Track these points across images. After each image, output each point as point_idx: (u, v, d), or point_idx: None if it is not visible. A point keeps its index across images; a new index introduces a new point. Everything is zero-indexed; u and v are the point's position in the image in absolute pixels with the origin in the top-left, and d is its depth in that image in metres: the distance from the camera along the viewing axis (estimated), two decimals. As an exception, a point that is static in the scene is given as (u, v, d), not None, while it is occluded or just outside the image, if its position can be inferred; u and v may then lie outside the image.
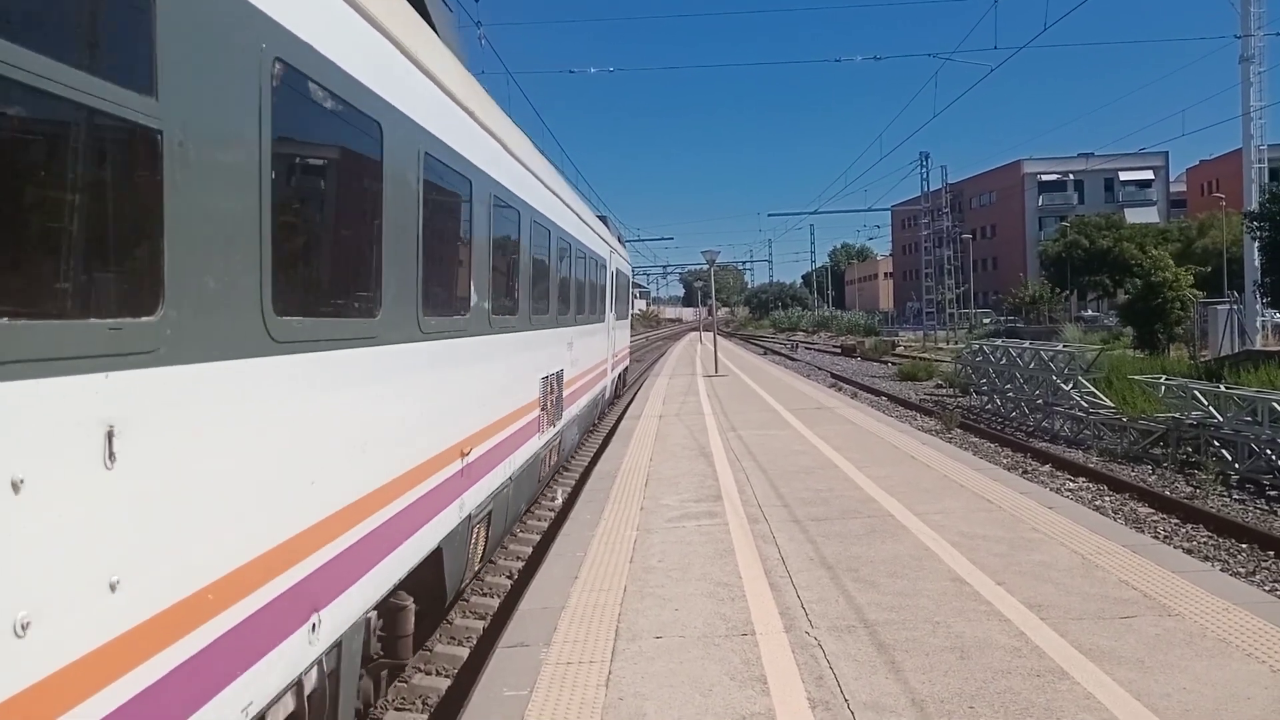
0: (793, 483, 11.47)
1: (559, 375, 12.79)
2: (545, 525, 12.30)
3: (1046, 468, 17.25)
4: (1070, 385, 22.50)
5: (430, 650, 7.95)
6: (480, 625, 8.71)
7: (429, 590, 6.73)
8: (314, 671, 4.57)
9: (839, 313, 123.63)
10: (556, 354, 12.75)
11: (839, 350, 64.32)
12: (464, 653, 8.00)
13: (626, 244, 33.71)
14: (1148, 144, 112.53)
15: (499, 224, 8.98)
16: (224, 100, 3.55)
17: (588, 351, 17.02)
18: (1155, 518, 13.21)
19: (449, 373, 6.95)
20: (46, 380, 2.60)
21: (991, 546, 8.18)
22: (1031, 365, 24.79)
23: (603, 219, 23.48)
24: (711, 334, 40.11)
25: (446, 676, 7.54)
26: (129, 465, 2.93)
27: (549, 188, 12.59)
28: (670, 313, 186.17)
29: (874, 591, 7.03)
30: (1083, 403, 21.76)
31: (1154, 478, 16.54)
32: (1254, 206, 37.12)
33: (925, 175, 78.45)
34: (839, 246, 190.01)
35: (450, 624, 8.62)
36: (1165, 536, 12.06)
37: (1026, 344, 28.16)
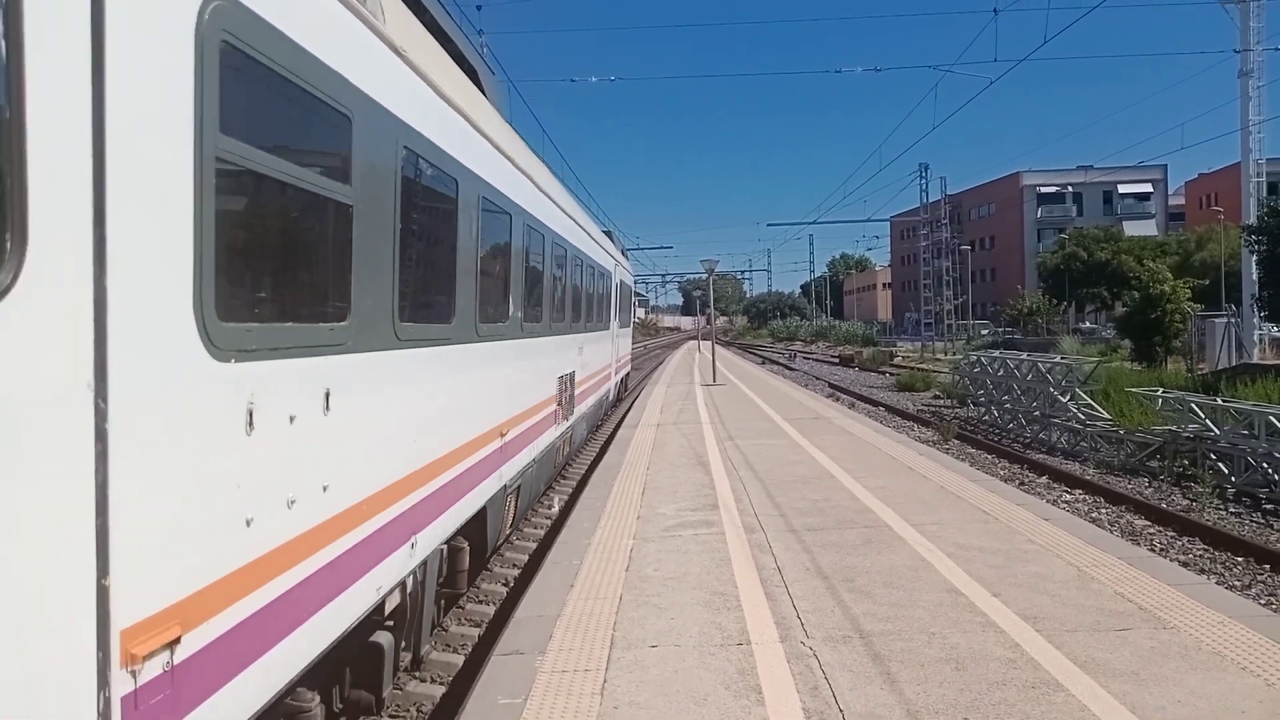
0: (789, 492, 11.47)
1: (571, 376, 14.30)
2: (542, 533, 12.29)
3: (1043, 479, 17.26)
4: (1067, 397, 22.53)
5: (425, 658, 7.93)
6: (476, 633, 8.70)
7: (477, 540, 8.43)
8: (410, 579, 6.25)
9: (837, 323, 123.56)
10: (569, 357, 14.23)
11: (837, 360, 64.33)
12: (459, 660, 7.99)
13: (627, 254, 35.68)
14: (1147, 157, 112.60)
15: (530, 245, 10.71)
16: (380, 187, 5.36)
17: (595, 356, 18.55)
18: (1151, 530, 13.22)
19: (494, 368, 8.69)
20: (303, 360, 4.34)
21: (988, 558, 8.19)
22: (1029, 377, 24.82)
23: (607, 233, 25.57)
24: (710, 343, 40.11)
25: (441, 684, 7.53)
26: (335, 412, 4.67)
27: (566, 213, 14.38)
28: (669, 321, 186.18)
29: (870, 602, 7.03)
30: (1080, 415, 21.78)
31: (1150, 490, 16.55)
32: (1252, 220, 37.20)
33: (924, 186, 78.70)
34: (838, 256, 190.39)
35: (445, 631, 8.61)
36: (1161, 549, 12.07)
37: (1024, 356, 28.18)
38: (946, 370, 40.83)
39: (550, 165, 14.66)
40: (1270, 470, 15.39)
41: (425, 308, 6.57)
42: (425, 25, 6.97)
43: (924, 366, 49.20)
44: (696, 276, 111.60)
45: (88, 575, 2.79)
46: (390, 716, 6.88)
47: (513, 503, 9.95)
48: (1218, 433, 16.80)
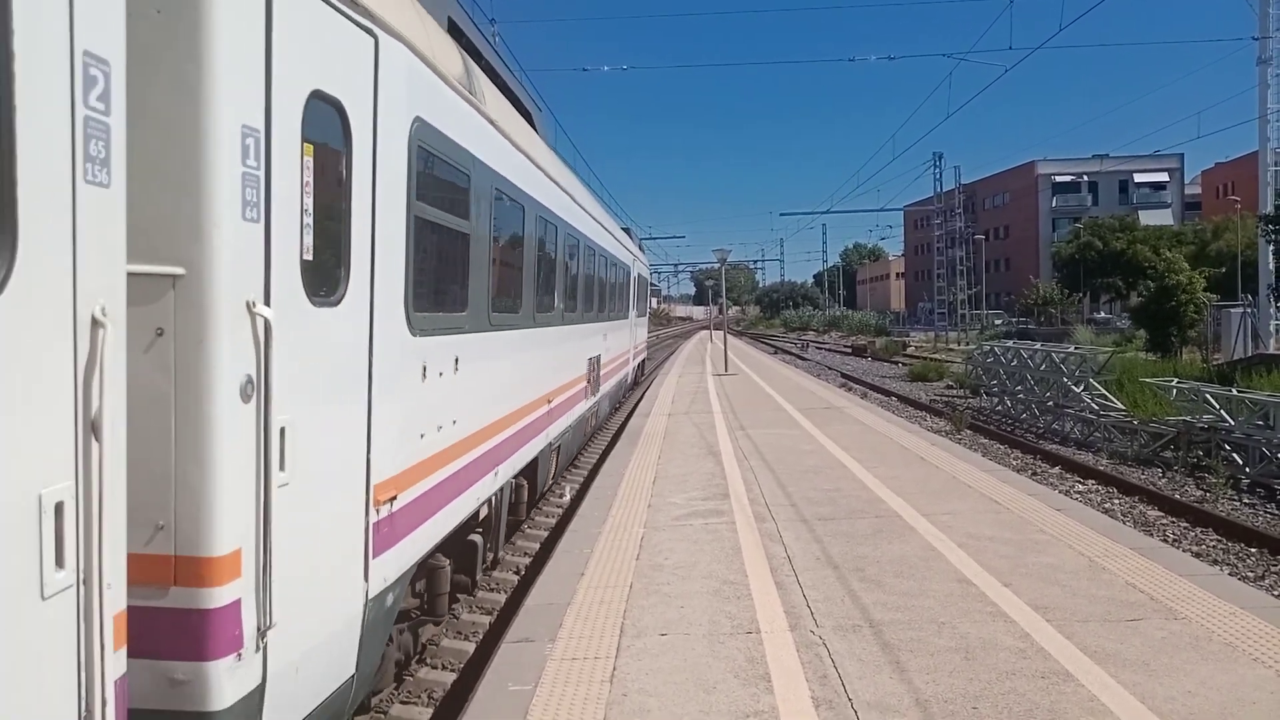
0: (800, 482, 11.47)
1: (598, 359, 16.62)
2: (553, 522, 12.32)
3: (1056, 470, 17.19)
4: (1081, 387, 22.41)
5: (437, 645, 7.98)
6: (487, 620, 8.74)
7: (531, 483, 10.76)
8: (493, 498, 8.39)
9: (850, 312, 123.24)
10: (596, 342, 16.45)
11: (849, 350, 64.17)
12: (470, 648, 8.03)
13: (643, 247, 37.82)
14: (1163, 146, 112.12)
15: (569, 250, 13.12)
16: (482, 218, 7.45)
17: (617, 342, 20.83)
18: (1164, 521, 13.16)
19: (544, 349, 10.87)
20: (445, 337, 6.40)
21: (999, 548, 8.17)
22: (1043, 367, 24.71)
23: (625, 230, 27.85)
24: (722, 333, 40.08)
25: (452, 671, 7.57)
26: (460, 371, 6.79)
27: (595, 219, 16.80)
28: (681, 311, 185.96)
29: (880, 591, 7.04)
30: (1093, 405, 21.68)
31: (1164, 481, 16.47)
32: (1269, 209, 36.91)
33: (938, 176, 78.42)
34: (851, 246, 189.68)
35: (456, 619, 8.66)
36: (1174, 540, 12.01)
37: (1038, 346, 28.06)
38: (959, 360, 40.69)
39: (567, 160, 16.81)
40: (1285, 461, 15.30)
41: (505, 301, 8.80)
42: (499, 88, 8.95)
43: (937, 357, 49.05)
44: (709, 266, 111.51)
45: (363, 455, 4.91)
46: (401, 704, 6.92)
47: (554, 458, 12.38)
48: (1232, 423, 16.70)
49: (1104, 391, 22.12)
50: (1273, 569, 11.00)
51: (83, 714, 2.56)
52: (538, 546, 11.18)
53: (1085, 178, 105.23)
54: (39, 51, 2.34)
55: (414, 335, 5.66)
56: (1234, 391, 17.94)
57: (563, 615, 6.68)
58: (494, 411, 8.06)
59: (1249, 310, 37.57)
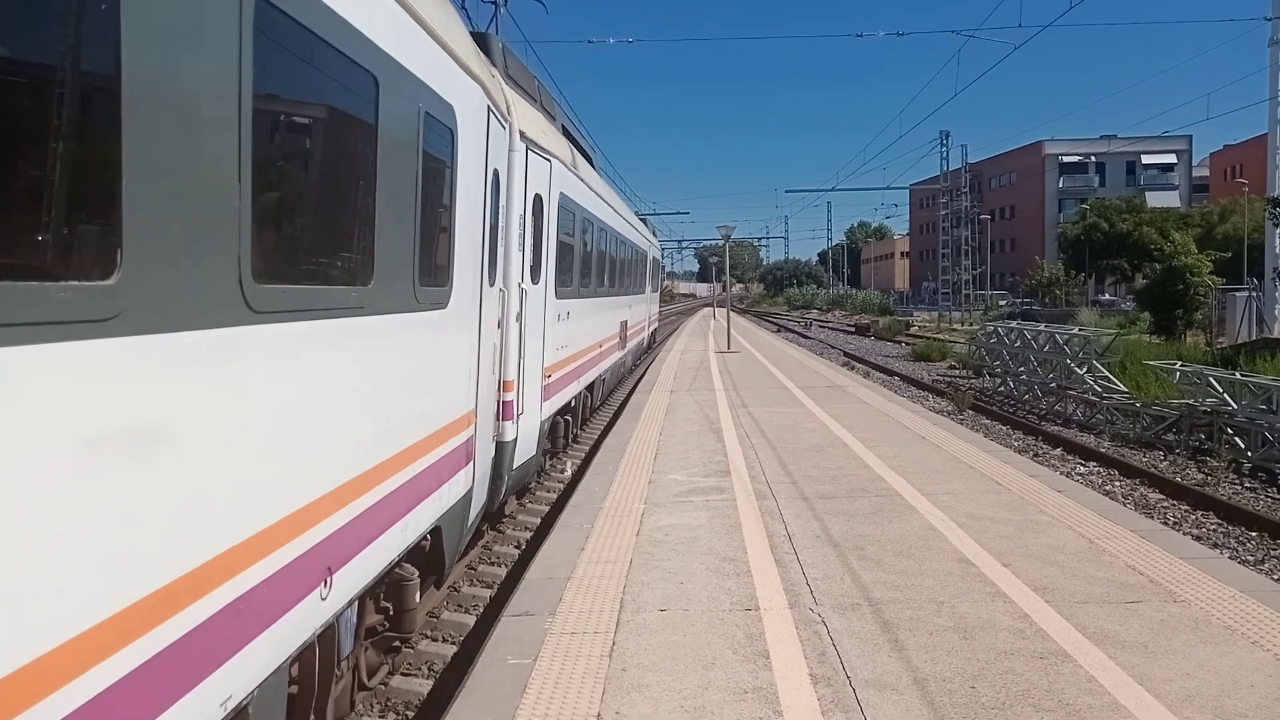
0: (802, 460, 11.48)
1: (625, 323, 22.31)
2: (554, 496, 12.35)
3: (1058, 451, 17.20)
4: (1084, 369, 22.39)
5: (437, 617, 8.01)
6: (487, 594, 8.78)
7: (589, 400, 16.77)
8: (582, 394, 15.21)
9: (854, 291, 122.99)
10: (624, 311, 22.17)
11: (853, 329, 64.09)
12: (470, 620, 8.06)
13: (656, 233, 44.96)
14: (1171, 127, 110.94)
15: (612, 245, 19.04)
16: (580, 232, 13.93)
17: (637, 312, 26.85)
18: (1165, 504, 13.18)
19: (595, 312, 16.27)
20: (565, 301, 12.48)
21: (999, 528, 8.18)
22: (1046, 348, 24.66)
23: (643, 219, 34.41)
24: (725, 310, 40.02)
25: (453, 644, 7.60)
26: (570, 319, 12.97)
27: (627, 220, 23.19)
28: (684, 288, 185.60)
29: (879, 570, 7.05)
30: (1096, 387, 21.66)
31: (1165, 464, 16.48)
32: (1277, 192, 36.70)
33: (945, 154, 78.07)
34: (856, 224, 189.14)
35: (457, 592, 8.69)
36: (1174, 523, 12.03)
37: (1042, 327, 28.00)
38: (963, 341, 40.62)
39: (609, 178, 26.29)
40: (1287, 445, 15.28)
41: (585, 280, 14.76)
42: (576, 147, 14.81)
43: (940, 337, 48.98)
44: (713, 243, 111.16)
45: (541, 351, 10.53)
46: (402, 675, 6.96)
47: (601, 390, 18.78)
48: (1235, 407, 16.68)
49: (1107, 374, 22.10)
50: (1273, 553, 11.02)
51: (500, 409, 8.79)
52: (538, 521, 11.20)
53: (1092, 158, 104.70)
54: (512, 193, 9.20)
55: (557, 299, 11.64)
56: (1238, 375, 17.91)
57: (563, 589, 6.69)
58: (581, 344, 14.31)
59: (1254, 294, 37.47)
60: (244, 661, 3.55)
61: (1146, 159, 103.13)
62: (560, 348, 11.86)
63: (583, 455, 14.84)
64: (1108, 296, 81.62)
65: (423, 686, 6.81)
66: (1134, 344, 29.82)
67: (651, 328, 35.85)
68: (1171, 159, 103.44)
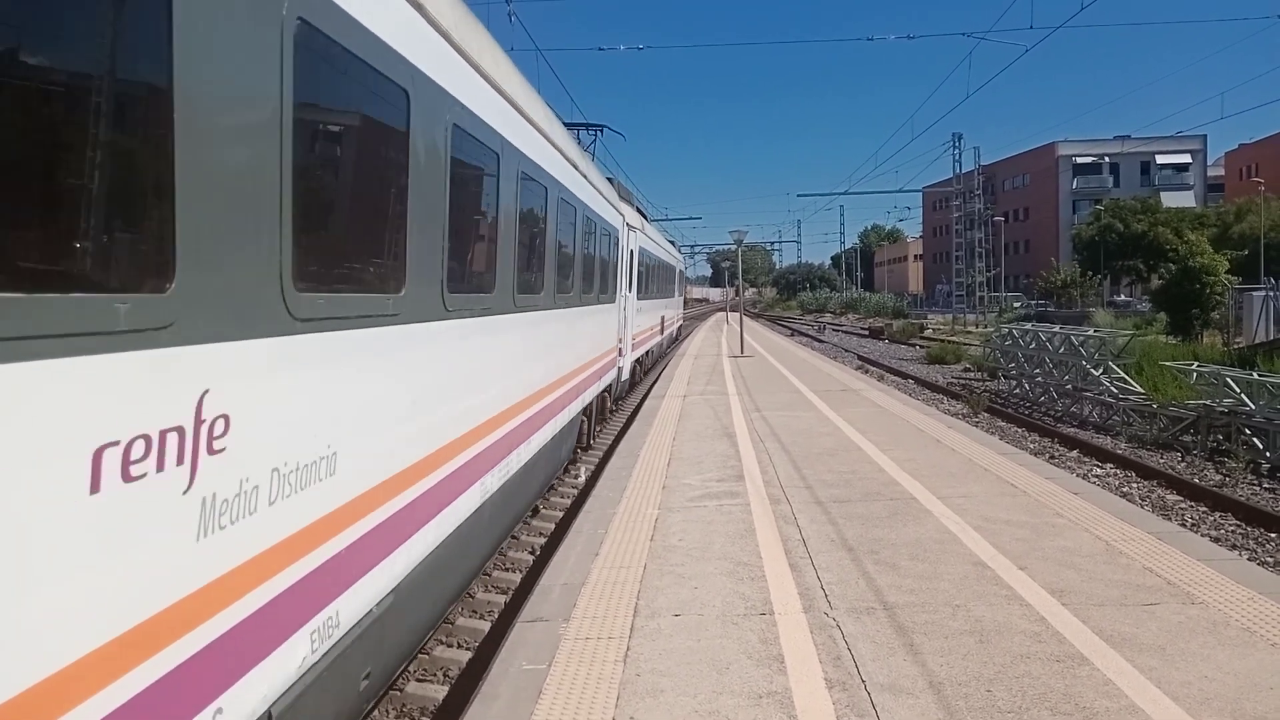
0: (816, 464, 11.45)
1: (664, 318, 32.86)
2: (568, 502, 12.35)
3: (1074, 453, 17.11)
4: (1100, 371, 22.28)
5: (452, 623, 8.02)
6: (502, 600, 8.78)
7: (647, 363, 27.86)
8: (592, 403, 15.09)
9: (867, 294, 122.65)
10: (662, 310, 32.40)
11: (866, 332, 63.95)
12: (485, 626, 8.07)
13: (676, 244, 58.17)
14: (1185, 127, 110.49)
15: (656, 265, 29.48)
16: (640, 259, 23.65)
17: (671, 311, 38.58)
18: (1183, 505, 13.08)
19: (650, 310, 26.75)
20: (641, 301, 24.13)
21: (1015, 531, 8.14)
22: (1061, 350, 24.55)
23: (672, 242, 47.91)
24: (738, 314, 39.98)
25: (467, 649, 7.61)
26: (640, 310, 23.29)
27: (663, 245, 33.59)
28: (697, 292, 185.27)
29: (894, 574, 7.02)
30: (1112, 388, 21.54)
31: (1183, 465, 16.36)
32: (1293, 191, 36.38)
33: (958, 157, 77.78)
34: (869, 228, 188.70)
35: (472, 597, 8.70)
36: (1192, 524, 11.94)
37: (1057, 328, 27.86)
38: (977, 343, 40.48)
39: (652, 218, 37.02)
40: (1306, 446, 15.15)
41: (648, 287, 25.82)
42: (639, 210, 26.73)
43: (954, 339, 48.82)
44: (725, 247, 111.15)
45: (628, 328, 19.86)
46: (418, 681, 6.97)
47: (650, 357, 28.38)
48: (1253, 407, 16.56)
49: (1123, 375, 21.98)
50: (1292, 554, 10.92)
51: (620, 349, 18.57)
52: (553, 526, 11.21)
53: (1106, 159, 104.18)
54: (622, 251, 19.20)
55: (637, 300, 21.70)
56: (1255, 375, 17.78)
57: (577, 595, 6.70)
58: (645, 326, 24.78)
59: (1271, 293, 37.18)
60: (570, 411, 11.96)
61: (1161, 159, 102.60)
62: (638, 327, 22.81)
63: (596, 461, 14.84)
64: (1123, 297, 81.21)
65: (438, 692, 6.81)
66: (1150, 345, 29.66)
67: (679, 323, 48.77)
68: (1186, 159, 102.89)
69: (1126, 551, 7.46)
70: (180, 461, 2.97)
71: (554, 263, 10.27)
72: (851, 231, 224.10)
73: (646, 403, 18.90)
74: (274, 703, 3.74)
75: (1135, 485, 14.35)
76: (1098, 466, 15.86)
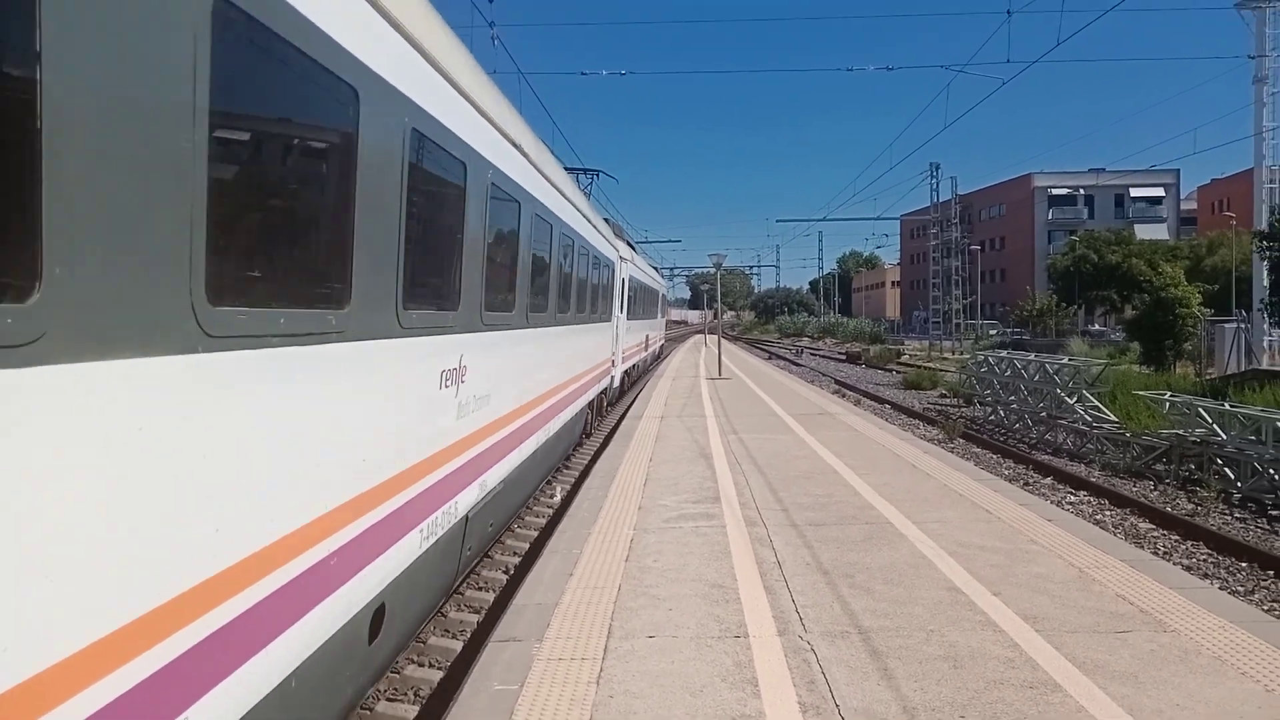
0: (792, 487, 11.45)
1: (648, 336, 36.59)
2: (543, 522, 12.28)
3: (1048, 480, 17.21)
4: (1074, 399, 22.46)
5: (424, 642, 7.94)
6: (475, 619, 8.70)
7: (634, 375, 32.33)
8: (595, 400, 19.14)
9: (845, 319, 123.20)
10: (647, 329, 35.41)
11: (844, 357, 64.19)
12: (457, 646, 7.99)
13: (661, 271, 63.91)
14: (1159, 161, 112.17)
15: (640, 289, 31.17)
16: (629, 285, 26.60)
17: (654, 330, 41.67)
18: (1156, 534, 13.17)
19: (637, 329, 30.52)
20: (631, 321, 28.30)
21: (989, 557, 8.16)
22: (1036, 378, 24.74)
23: (656, 268, 52.47)
24: (717, 337, 40.07)
25: (439, 669, 7.53)
26: (629, 329, 27.10)
27: (648, 271, 38.43)
28: (675, 314, 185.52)
29: (869, 598, 7.01)
30: (1086, 417, 21.72)
31: (1156, 494, 16.49)
32: (1264, 226, 37.04)
33: (935, 186, 78.41)
34: (848, 254, 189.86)
35: (444, 616, 8.62)
36: (1165, 553, 12.02)
37: (1032, 356, 28.09)
38: (954, 369, 40.73)
39: (636, 245, 39.36)
40: (1276, 476, 15.32)
41: (635, 308, 28.53)
42: (627, 242, 29.54)
43: (931, 365, 49.11)
44: (705, 271, 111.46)
45: (613, 342, 22.27)
46: (388, 700, 6.88)
47: (636, 370, 32.47)
48: (1225, 437, 16.73)
49: (1097, 403, 22.16)
50: (1263, 583, 11.01)
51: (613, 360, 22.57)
52: (527, 546, 11.13)
53: (1081, 191, 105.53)
54: (616, 280, 22.62)
55: (626, 320, 25.09)
56: (1226, 406, 17.97)
57: (550, 615, 6.64)
58: (633, 342, 28.77)
59: (1243, 325, 37.67)
60: (581, 401, 15.88)
61: (1135, 192, 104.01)
62: (627, 343, 26.18)
63: (573, 480, 14.78)
64: (1097, 327, 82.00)
65: (409, 712, 6.73)
66: (1124, 374, 29.94)
67: (661, 342, 52.15)
68: (1160, 192, 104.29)
69: (1099, 579, 7.49)
70: (458, 382, 6.79)
71: (574, 292, 14.28)
72: (830, 257, 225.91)
73: (624, 423, 18.86)
74: (471, 508, 7.45)
75: (1108, 513, 14.44)
76: (1071, 494, 15.95)
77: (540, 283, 10.83)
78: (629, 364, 28.08)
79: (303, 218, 4.53)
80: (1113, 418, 21.44)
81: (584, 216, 15.29)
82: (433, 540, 6.19)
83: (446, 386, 6.50)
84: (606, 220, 23.19)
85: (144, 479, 2.99)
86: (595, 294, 17.57)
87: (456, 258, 6.84)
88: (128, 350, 2.85)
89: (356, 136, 4.57)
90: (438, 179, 6.28)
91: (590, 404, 18.11)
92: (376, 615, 5.34)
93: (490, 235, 7.77)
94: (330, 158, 4.64)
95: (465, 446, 7.00)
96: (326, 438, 4.43)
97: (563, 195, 12.44)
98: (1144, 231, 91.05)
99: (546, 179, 11.00)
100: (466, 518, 7.24)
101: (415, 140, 5.36)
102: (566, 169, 16.40)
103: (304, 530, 4.11)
